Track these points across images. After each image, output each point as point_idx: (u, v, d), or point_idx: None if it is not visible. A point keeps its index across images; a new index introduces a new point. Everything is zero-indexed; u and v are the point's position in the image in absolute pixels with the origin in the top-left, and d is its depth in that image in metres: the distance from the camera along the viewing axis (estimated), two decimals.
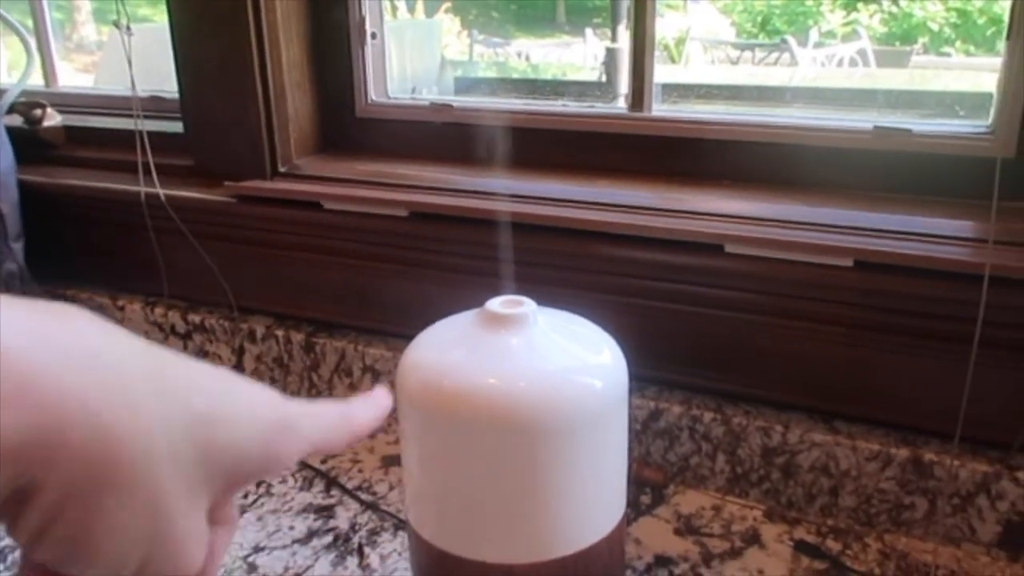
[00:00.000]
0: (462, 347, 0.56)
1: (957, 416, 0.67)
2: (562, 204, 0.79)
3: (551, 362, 0.55)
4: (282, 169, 0.93)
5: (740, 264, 0.72)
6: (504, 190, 0.81)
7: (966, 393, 0.64)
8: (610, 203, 0.78)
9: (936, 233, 0.68)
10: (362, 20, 0.93)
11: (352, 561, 0.70)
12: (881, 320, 0.69)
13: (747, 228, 0.71)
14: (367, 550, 0.71)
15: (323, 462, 0.83)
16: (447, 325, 0.59)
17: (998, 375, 0.66)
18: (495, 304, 0.56)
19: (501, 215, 0.73)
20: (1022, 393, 0.66)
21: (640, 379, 0.80)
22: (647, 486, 0.79)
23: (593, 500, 0.56)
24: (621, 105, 0.87)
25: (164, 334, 1.01)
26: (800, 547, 0.71)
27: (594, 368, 0.56)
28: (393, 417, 0.91)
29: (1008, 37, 0.70)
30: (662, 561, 0.70)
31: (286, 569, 0.69)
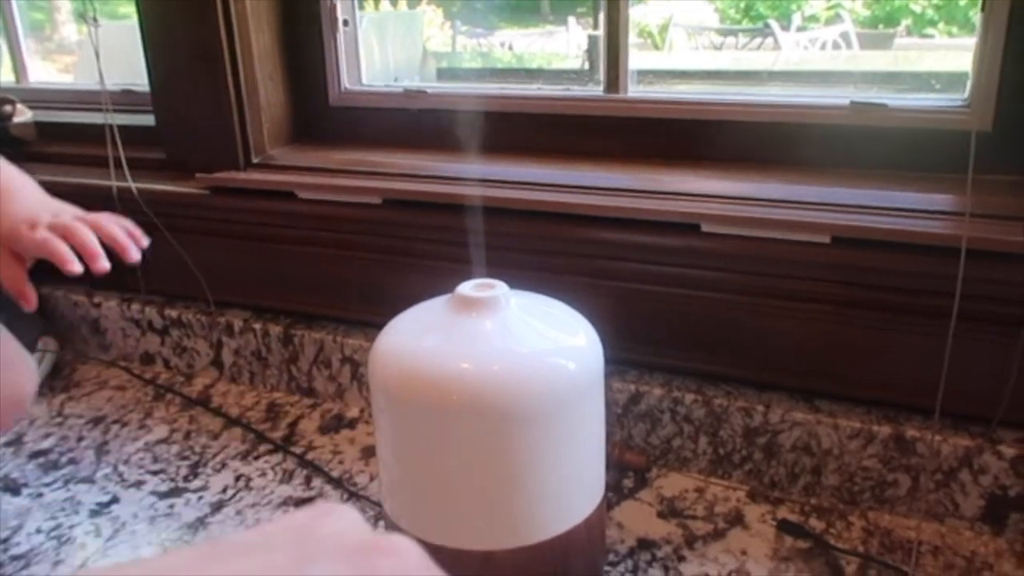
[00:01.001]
0: (434, 332, 0.56)
1: (938, 392, 0.66)
2: (536, 188, 0.78)
3: (524, 345, 0.55)
4: (256, 160, 0.92)
5: (717, 243, 0.71)
6: (478, 175, 0.80)
7: (945, 368, 0.64)
8: (586, 186, 0.77)
9: (913, 207, 0.67)
10: (333, 7, 0.92)
11: None
12: (859, 296, 0.69)
13: (723, 207, 0.71)
14: None
15: (303, 454, 0.83)
16: (418, 311, 0.58)
17: (977, 349, 0.66)
18: (467, 288, 0.56)
19: (474, 200, 0.73)
20: (1002, 366, 0.66)
21: (620, 362, 0.80)
22: (629, 470, 0.78)
23: (570, 483, 0.56)
24: (598, 88, 0.86)
25: (141, 330, 1.00)
26: (783, 526, 0.71)
27: (568, 350, 0.55)
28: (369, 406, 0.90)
29: (983, 8, 0.70)
30: (645, 544, 0.69)
31: None
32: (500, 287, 0.56)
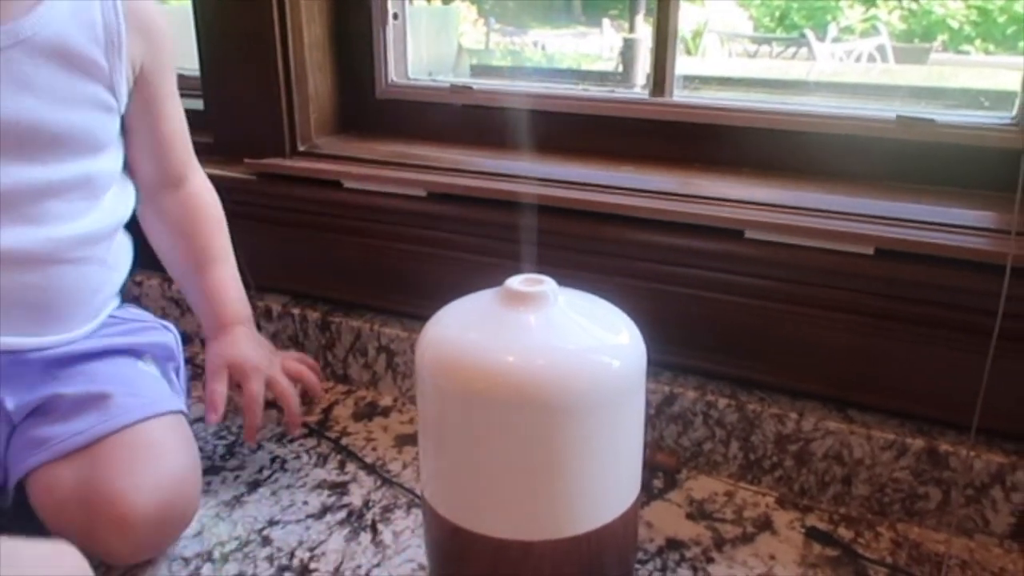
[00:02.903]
0: (481, 324, 0.56)
1: (973, 407, 0.66)
2: (582, 187, 0.79)
3: (570, 341, 0.56)
4: (301, 148, 0.94)
5: (759, 250, 0.72)
6: (523, 172, 0.81)
7: (984, 384, 0.64)
8: (630, 187, 0.78)
9: (958, 223, 0.67)
10: (384, 0, 0.93)
11: (365, 537, 0.71)
12: (900, 309, 0.69)
13: (767, 214, 0.71)
14: (380, 526, 0.72)
15: (338, 439, 0.84)
16: (467, 303, 0.59)
17: (1016, 367, 0.66)
18: (515, 282, 0.57)
19: (521, 197, 0.74)
20: None
21: (655, 364, 0.80)
22: (659, 470, 0.79)
23: (609, 479, 0.56)
24: (641, 91, 0.87)
25: (180, 310, 1.02)
26: (812, 534, 0.71)
27: (612, 348, 0.56)
28: (410, 397, 0.91)
29: None
30: (674, 544, 0.70)
31: (300, 543, 0.70)
32: (548, 283, 0.57)
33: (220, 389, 0.74)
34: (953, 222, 0.68)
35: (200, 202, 0.78)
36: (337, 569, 0.67)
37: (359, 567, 0.67)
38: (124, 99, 0.69)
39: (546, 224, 0.78)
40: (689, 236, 0.74)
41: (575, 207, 0.78)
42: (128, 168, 0.74)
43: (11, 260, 0.62)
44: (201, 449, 0.82)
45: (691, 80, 0.94)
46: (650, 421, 0.80)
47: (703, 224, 0.73)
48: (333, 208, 0.89)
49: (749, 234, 0.71)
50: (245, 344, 0.77)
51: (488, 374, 0.53)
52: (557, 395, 0.53)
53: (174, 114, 0.74)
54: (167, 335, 0.78)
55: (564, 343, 0.55)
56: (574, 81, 0.91)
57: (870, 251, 0.68)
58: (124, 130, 0.71)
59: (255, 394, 0.74)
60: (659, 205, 0.74)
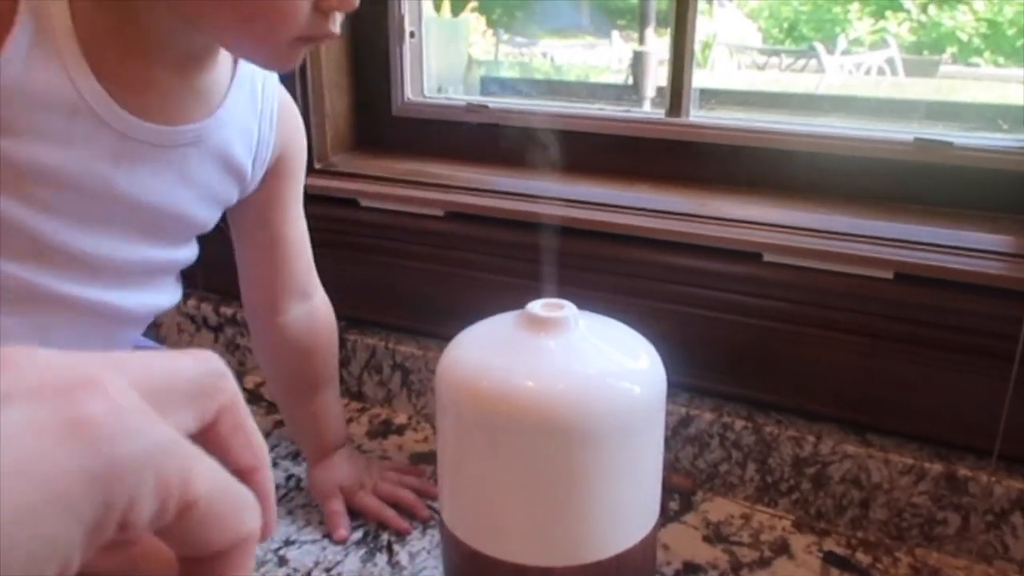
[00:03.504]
0: (502, 348, 0.56)
1: (993, 432, 0.66)
2: (599, 208, 0.79)
3: (590, 366, 0.56)
4: (318, 166, 0.94)
5: (778, 273, 0.72)
6: (540, 192, 0.81)
7: (1005, 410, 0.64)
8: (648, 208, 0.78)
9: (978, 247, 0.67)
10: (401, 18, 0.94)
11: (381, 558, 0.70)
12: (919, 333, 0.69)
13: (786, 237, 0.71)
14: (396, 547, 0.72)
15: None
16: (487, 325, 0.59)
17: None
18: (536, 307, 0.57)
19: (538, 217, 0.74)
20: None
21: (672, 384, 0.80)
22: (675, 492, 0.79)
23: (629, 505, 0.56)
24: (652, 109, 0.87)
25: (196, 326, 1.02)
26: (829, 558, 0.71)
27: (633, 373, 0.56)
28: (425, 415, 0.91)
29: None
30: (691, 568, 0.70)
31: (316, 564, 0.70)
32: (569, 308, 0.57)
33: (339, 508, 0.74)
34: (972, 246, 0.68)
35: (324, 318, 0.77)
36: None
37: None
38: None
39: (563, 245, 0.78)
40: (707, 258, 0.74)
41: (592, 228, 0.78)
42: (248, 275, 0.74)
43: (121, 318, 0.64)
44: None
45: (704, 95, 0.94)
46: (666, 443, 0.80)
47: (721, 247, 0.73)
48: (349, 226, 0.89)
49: (767, 257, 0.71)
50: (344, 469, 0.77)
51: (508, 399, 0.53)
52: (577, 420, 0.53)
53: (300, 222, 0.74)
54: None
55: (584, 368, 0.55)
56: (584, 93, 0.91)
57: (889, 275, 0.68)
58: (248, 231, 0.71)
59: (374, 508, 0.75)
60: (677, 227, 0.74)
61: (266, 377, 0.79)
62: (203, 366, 0.25)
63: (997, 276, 0.64)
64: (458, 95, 1.01)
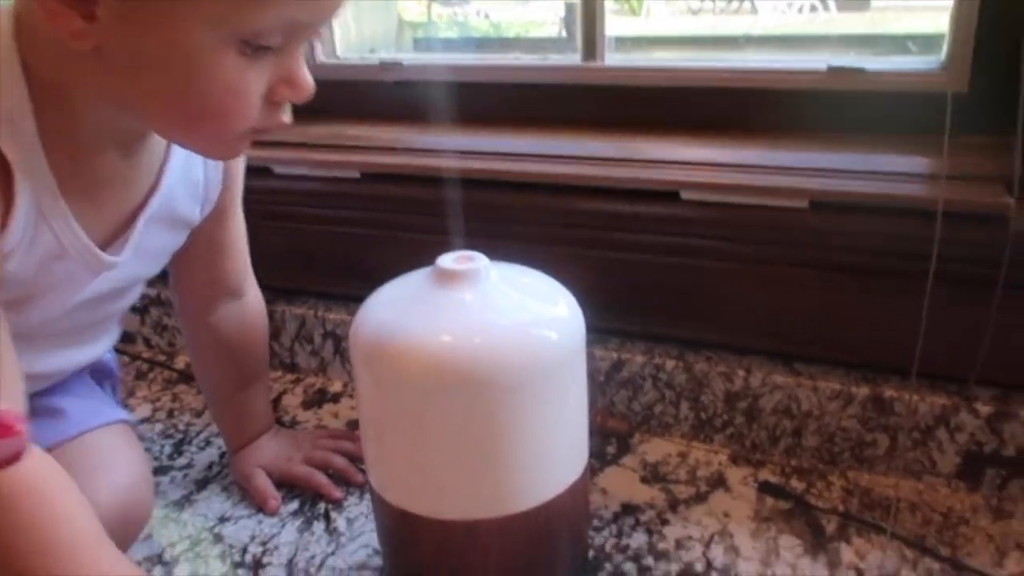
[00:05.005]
0: (415, 305, 0.55)
1: (914, 352, 0.67)
2: (514, 158, 0.78)
3: (505, 316, 0.55)
4: None
5: (696, 211, 0.71)
6: (456, 147, 0.80)
7: (922, 329, 0.64)
8: (565, 155, 0.77)
9: (890, 171, 0.67)
10: None
11: (319, 526, 0.70)
12: (837, 260, 0.69)
13: (702, 174, 0.71)
14: (334, 515, 0.71)
15: (291, 427, 0.83)
16: (399, 284, 0.58)
17: (953, 310, 0.67)
18: (447, 260, 0.56)
19: (452, 172, 0.72)
20: (976, 327, 0.67)
21: (602, 330, 0.80)
22: (613, 436, 0.79)
23: (553, 453, 0.56)
24: (575, 57, 0.85)
25: (140, 317, 0.99)
26: (765, 488, 0.72)
27: (549, 321, 0.56)
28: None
29: None
30: (629, 509, 0.70)
31: (252, 538, 0.69)
32: (480, 259, 0.56)
33: (261, 484, 0.73)
34: (885, 169, 0.68)
35: (256, 315, 0.75)
36: (291, 561, 0.66)
37: (313, 557, 0.66)
38: None
39: (481, 198, 0.77)
40: (626, 201, 0.74)
41: (509, 179, 0.77)
42: (184, 279, 0.72)
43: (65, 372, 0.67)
44: (148, 449, 0.81)
45: (635, 42, 0.93)
46: (600, 388, 0.80)
47: (638, 188, 0.72)
48: (267, 195, 0.87)
49: (685, 195, 0.71)
50: (267, 450, 0.76)
51: (422, 356, 0.52)
52: (495, 372, 0.52)
53: (239, 223, 0.72)
54: (106, 356, 0.75)
55: (499, 319, 0.55)
56: (520, 48, 0.89)
57: (804, 204, 0.68)
58: (187, 241, 0.68)
59: (304, 475, 0.74)
60: (594, 172, 0.74)
61: (196, 372, 0.77)
62: None
63: (908, 198, 0.65)
64: (417, 56, 0.98)
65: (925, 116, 0.72)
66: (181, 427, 0.85)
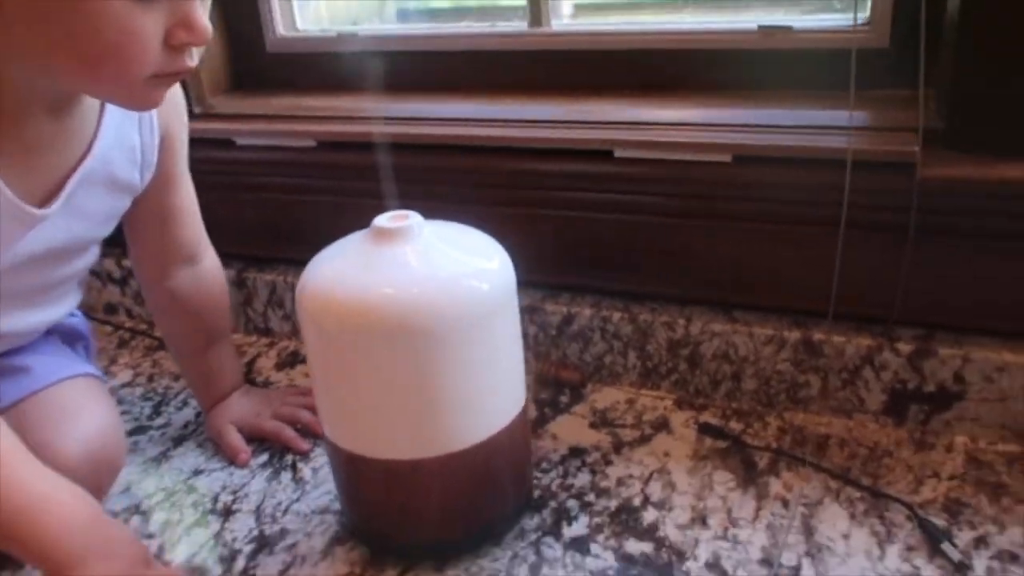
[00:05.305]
0: (353, 262, 0.59)
1: (838, 296, 0.71)
2: (457, 123, 0.81)
3: (438, 269, 0.59)
4: (196, 110, 0.95)
5: (629, 168, 0.75)
6: (408, 114, 0.83)
7: (836, 274, 0.68)
8: (508, 119, 0.80)
9: (809, 124, 0.71)
10: None
11: (286, 476, 0.74)
12: (762, 211, 0.73)
13: (633, 133, 0.74)
14: (300, 465, 0.76)
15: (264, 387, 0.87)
16: (339, 245, 0.62)
17: (870, 255, 0.71)
18: (382, 220, 0.60)
19: (402, 138, 0.76)
20: (894, 270, 0.70)
21: (552, 286, 0.85)
22: (565, 386, 0.84)
23: (488, 395, 0.60)
24: (521, 23, 0.89)
25: (102, 282, 1.04)
26: (704, 429, 0.76)
27: (481, 272, 0.59)
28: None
29: None
30: (576, 452, 0.75)
31: (223, 488, 0.74)
32: (414, 217, 0.60)
33: (231, 439, 0.78)
34: (805, 123, 0.71)
35: (213, 279, 0.79)
36: (259, 508, 0.71)
37: (279, 503, 0.71)
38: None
39: (428, 161, 0.81)
40: (565, 161, 0.78)
41: (453, 143, 0.81)
42: (138, 246, 0.76)
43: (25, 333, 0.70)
44: (128, 411, 0.86)
45: (597, 8, 0.95)
46: (552, 341, 0.84)
47: (575, 148, 0.76)
48: (229, 166, 0.91)
49: (618, 153, 0.75)
50: (238, 407, 0.81)
51: (362, 308, 0.56)
52: (430, 321, 0.56)
53: (187, 190, 0.75)
54: (73, 320, 0.79)
55: (433, 271, 0.58)
56: (491, 16, 0.92)
57: (728, 159, 0.71)
58: (136, 208, 0.72)
59: (272, 429, 0.79)
60: (534, 134, 0.77)
61: (161, 334, 0.81)
62: None
63: (820, 149, 0.68)
64: (373, 27, 1.01)
65: (846, 69, 0.76)
66: (160, 390, 0.90)
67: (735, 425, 0.77)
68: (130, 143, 0.66)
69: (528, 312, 0.83)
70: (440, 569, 0.63)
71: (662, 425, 0.78)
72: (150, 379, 0.92)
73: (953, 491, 0.67)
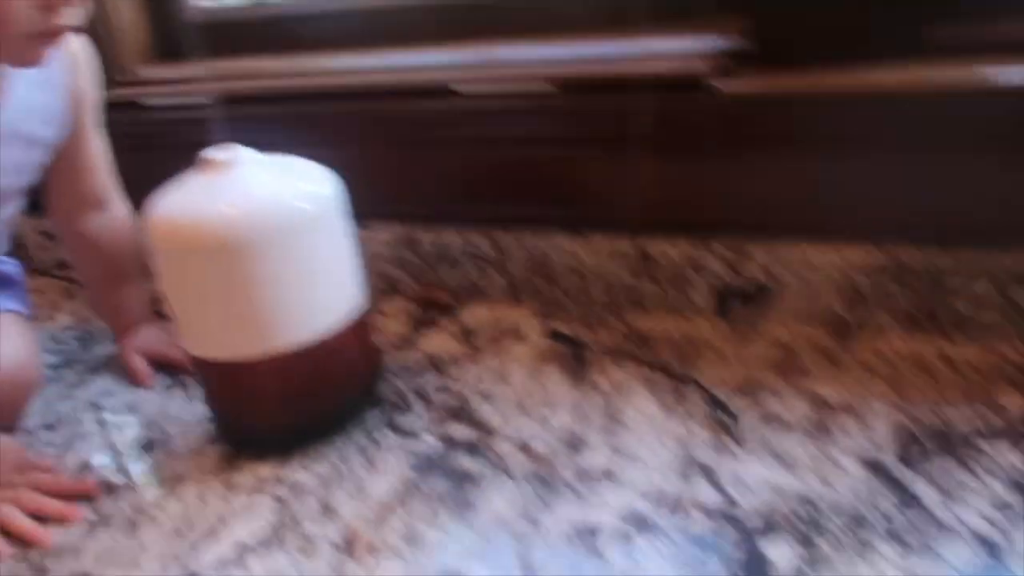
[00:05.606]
0: (185, 192, 0.68)
1: (667, 210, 0.78)
2: (331, 75, 0.90)
3: (259, 191, 0.67)
4: (119, 79, 1.04)
5: (468, 103, 0.83)
6: (305, 69, 0.92)
7: (639, 186, 0.75)
8: (386, 67, 0.88)
9: (628, 53, 0.77)
10: None
11: (179, 392, 0.84)
12: (587, 134, 0.80)
13: (470, 71, 0.82)
14: (190, 383, 0.85)
15: None
16: (179, 180, 0.71)
17: (684, 167, 0.77)
18: (209, 152, 0.68)
19: (291, 91, 0.84)
20: (708, 182, 0.77)
21: (423, 218, 0.93)
22: (439, 306, 0.92)
23: (316, 300, 0.69)
24: None
25: (52, 241, 1.15)
26: (553, 336, 0.84)
27: (299, 193, 0.68)
28: None
29: None
30: (433, 360, 0.83)
31: (125, 406, 0.83)
32: (238, 149, 0.68)
33: (136, 365, 0.87)
34: (627, 52, 0.78)
35: (121, 225, 0.88)
36: (150, 420, 0.80)
37: (169, 412, 0.81)
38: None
39: (325, 109, 0.89)
40: (414, 100, 0.85)
41: (319, 91, 0.89)
42: (53, 194, 0.85)
43: None
44: (62, 348, 0.96)
45: None
46: (432, 267, 0.92)
47: (418, 88, 0.84)
48: (142, 127, 1.00)
49: (456, 88, 0.82)
50: (145, 337, 0.89)
51: (188, 229, 0.65)
52: (247, 235, 0.64)
53: (97, 144, 0.85)
54: (6, 267, 0.89)
55: (260, 192, 0.66)
56: None
57: (552, 88, 0.78)
58: (53, 160, 0.80)
59: (178, 355, 0.85)
60: (395, 79, 0.86)
61: (76, 272, 0.92)
62: None
63: (630, 75, 0.75)
64: None
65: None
66: (92, 331, 1.00)
67: (582, 331, 0.84)
68: (40, 103, 0.75)
69: (406, 243, 0.91)
70: (286, 457, 0.71)
71: (517, 336, 0.85)
72: (85, 321, 1.03)
73: (756, 373, 0.73)
